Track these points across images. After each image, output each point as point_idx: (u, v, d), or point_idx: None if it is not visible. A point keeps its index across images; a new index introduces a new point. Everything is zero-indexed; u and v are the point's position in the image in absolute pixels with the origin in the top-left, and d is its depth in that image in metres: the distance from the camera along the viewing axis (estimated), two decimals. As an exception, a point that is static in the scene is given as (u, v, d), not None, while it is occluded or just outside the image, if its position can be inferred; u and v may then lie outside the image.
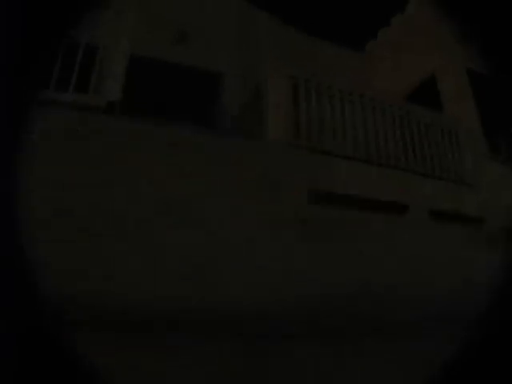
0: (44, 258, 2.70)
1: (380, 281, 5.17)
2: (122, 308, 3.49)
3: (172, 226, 4.56)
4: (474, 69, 7.86)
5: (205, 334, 3.65)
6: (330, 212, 5.59)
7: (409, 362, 3.58)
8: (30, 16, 3.05)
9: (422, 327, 4.36)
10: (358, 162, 6.09)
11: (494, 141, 7.67)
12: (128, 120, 4.71)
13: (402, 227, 5.89)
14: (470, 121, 7.57)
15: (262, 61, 6.51)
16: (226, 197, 4.96)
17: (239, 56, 7.74)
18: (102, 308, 3.37)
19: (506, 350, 2.28)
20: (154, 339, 3.28)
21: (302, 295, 4.69)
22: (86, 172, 4.44)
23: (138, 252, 4.18)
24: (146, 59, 7.70)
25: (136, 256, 4.13)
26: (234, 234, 4.88)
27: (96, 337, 2.56)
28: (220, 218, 4.89)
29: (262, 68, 6.36)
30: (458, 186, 6.66)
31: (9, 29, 2.84)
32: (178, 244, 4.49)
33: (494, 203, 6.68)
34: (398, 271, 5.40)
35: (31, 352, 2.10)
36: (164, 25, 7.74)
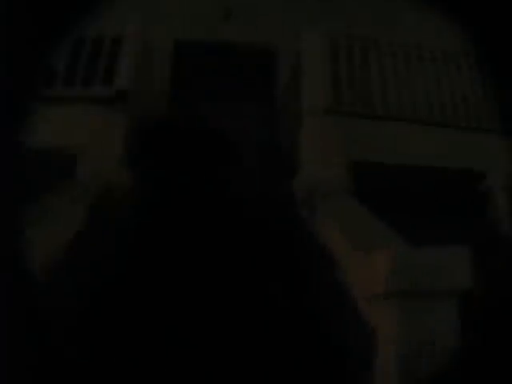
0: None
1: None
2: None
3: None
4: None
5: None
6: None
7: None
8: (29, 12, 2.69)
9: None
10: (417, 125, 5.14)
11: None
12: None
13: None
14: None
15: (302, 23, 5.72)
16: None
17: (291, 26, 6.97)
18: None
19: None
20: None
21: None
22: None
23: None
24: (192, 42, 7.21)
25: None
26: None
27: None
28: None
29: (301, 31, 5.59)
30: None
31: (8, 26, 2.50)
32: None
33: None
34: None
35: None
36: (207, 4, 7.20)
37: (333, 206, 4.17)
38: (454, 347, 2.21)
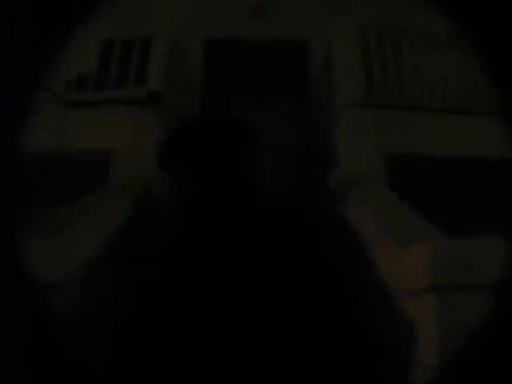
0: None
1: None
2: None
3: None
4: None
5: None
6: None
7: None
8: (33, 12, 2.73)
9: None
10: (451, 114, 5.02)
11: None
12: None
13: None
14: None
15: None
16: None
17: (324, 17, 6.88)
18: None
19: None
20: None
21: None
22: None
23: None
24: (223, 40, 7.20)
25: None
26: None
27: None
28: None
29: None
30: None
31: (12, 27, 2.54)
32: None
33: None
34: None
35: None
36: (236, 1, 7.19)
37: (367, 196, 4.10)
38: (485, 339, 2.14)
